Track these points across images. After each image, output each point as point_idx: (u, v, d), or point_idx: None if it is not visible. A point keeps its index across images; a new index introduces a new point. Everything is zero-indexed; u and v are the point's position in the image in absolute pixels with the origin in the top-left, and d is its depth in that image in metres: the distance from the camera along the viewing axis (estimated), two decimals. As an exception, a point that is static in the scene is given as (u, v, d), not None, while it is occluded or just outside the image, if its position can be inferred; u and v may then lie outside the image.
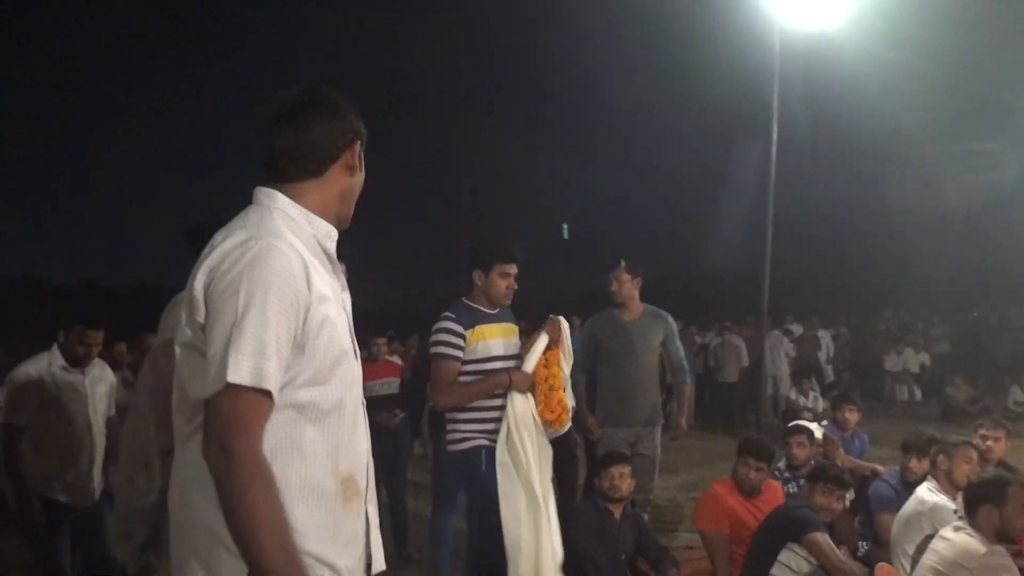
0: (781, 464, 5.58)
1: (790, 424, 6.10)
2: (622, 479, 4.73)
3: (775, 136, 11.20)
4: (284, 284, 1.67)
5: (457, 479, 4.40)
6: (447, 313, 4.13)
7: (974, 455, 4.65)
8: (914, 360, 16.24)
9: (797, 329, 15.78)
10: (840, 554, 4.14)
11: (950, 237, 24.56)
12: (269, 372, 1.62)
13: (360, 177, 1.98)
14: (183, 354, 1.76)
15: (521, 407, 3.96)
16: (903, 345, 16.39)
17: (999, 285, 21.56)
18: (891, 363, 16.24)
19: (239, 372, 1.60)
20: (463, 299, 4.20)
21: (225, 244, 1.72)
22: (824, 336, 15.89)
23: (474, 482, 4.01)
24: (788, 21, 10.70)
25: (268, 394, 1.63)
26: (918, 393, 15.91)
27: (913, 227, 25.14)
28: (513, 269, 4.17)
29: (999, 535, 3.79)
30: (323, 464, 1.78)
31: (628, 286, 5.55)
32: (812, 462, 5.40)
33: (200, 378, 1.66)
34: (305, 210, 1.86)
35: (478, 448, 4.00)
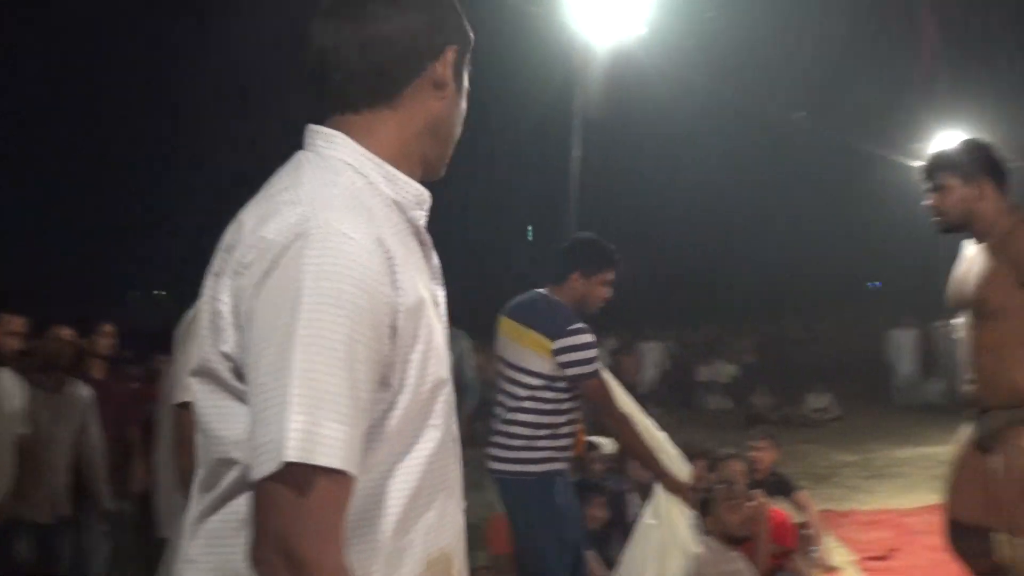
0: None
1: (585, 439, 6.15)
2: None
3: (576, 152, 11.44)
4: (363, 293, 1.08)
5: (528, 501, 3.66)
6: (579, 324, 3.59)
7: (739, 466, 4.77)
8: (724, 371, 16.95)
9: (611, 343, 16.14)
10: None
11: (757, 251, 25.92)
12: (354, 445, 1.07)
13: (458, 106, 1.33)
14: (203, 390, 1.20)
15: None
16: (714, 357, 17.11)
17: (802, 299, 22.96)
18: (703, 373, 16.91)
19: (310, 447, 1.03)
20: (557, 300, 3.66)
21: (264, 231, 1.12)
22: (649, 349, 16.37)
23: (545, 507, 3.59)
24: (590, 36, 10.87)
25: (344, 475, 1.07)
26: (728, 402, 16.61)
27: (722, 241, 26.37)
28: (613, 277, 3.73)
29: (727, 538, 3.94)
30: (415, 545, 1.21)
31: None
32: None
33: (230, 423, 1.14)
34: (383, 163, 1.24)
35: (553, 472, 3.62)
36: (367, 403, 1.10)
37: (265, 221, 1.13)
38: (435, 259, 1.34)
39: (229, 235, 1.20)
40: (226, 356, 1.14)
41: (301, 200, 1.13)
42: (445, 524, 1.24)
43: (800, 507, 5.32)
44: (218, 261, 1.20)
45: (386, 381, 1.14)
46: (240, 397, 1.12)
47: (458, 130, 1.36)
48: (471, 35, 1.34)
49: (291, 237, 1.09)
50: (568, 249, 3.86)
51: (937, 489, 7.18)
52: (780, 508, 4.94)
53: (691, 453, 5.21)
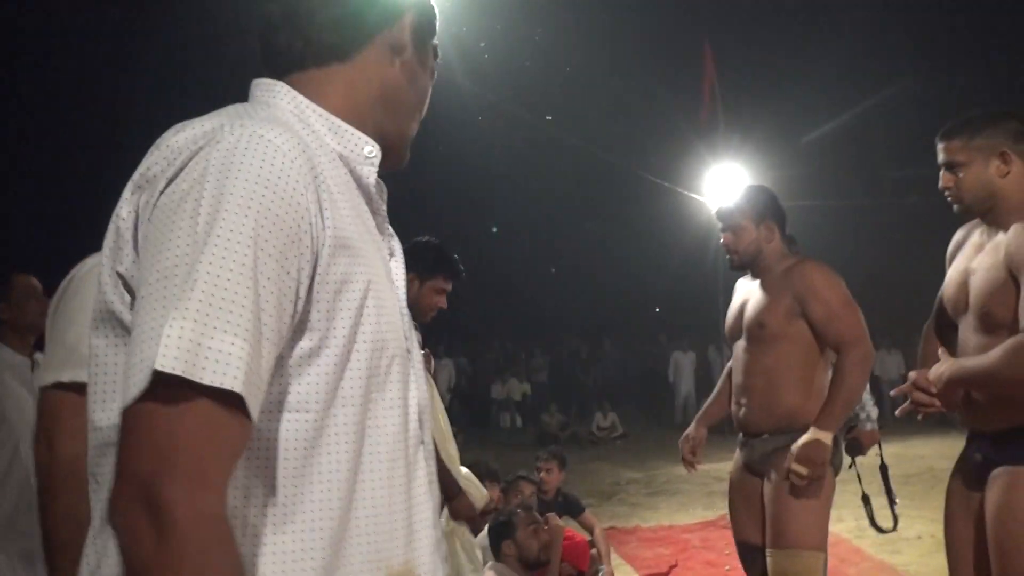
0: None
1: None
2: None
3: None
4: (279, 202, 0.91)
5: None
6: None
7: (529, 489, 4.80)
8: (517, 389, 17.24)
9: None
10: None
11: (550, 271, 26.69)
12: (244, 361, 0.84)
13: (417, 80, 1.20)
14: (101, 345, 0.98)
15: None
16: (508, 375, 17.36)
17: (592, 319, 23.80)
18: (497, 391, 17.12)
19: (191, 360, 0.81)
20: None
21: (177, 138, 0.96)
22: (441, 366, 16.33)
23: None
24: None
25: (242, 404, 0.84)
26: (519, 420, 16.88)
27: (515, 259, 26.91)
28: (449, 288, 3.48)
29: (523, 562, 4.00)
30: (355, 552, 0.99)
31: None
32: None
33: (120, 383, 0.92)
34: (328, 113, 1.10)
35: None
36: (273, 331, 0.89)
37: (175, 133, 0.97)
38: (390, 230, 1.19)
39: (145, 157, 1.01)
40: (121, 278, 0.95)
41: (221, 115, 0.99)
42: (415, 533, 1.06)
43: (587, 527, 5.41)
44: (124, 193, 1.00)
45: (305, 320, 0.95)
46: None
47: (418, 107, 1.23)
48: (434, 9, 1.22)
49: (201, 143, 0.93)
50: (408, 250, 3.76)
51: (712, 506, 7.65)
52: (569, 528, 5.00)
53: (479, 474, 5.20)
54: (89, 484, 1.00)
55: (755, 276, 3.30)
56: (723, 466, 6.34)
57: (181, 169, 0.92)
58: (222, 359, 0.82)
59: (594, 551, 5.11)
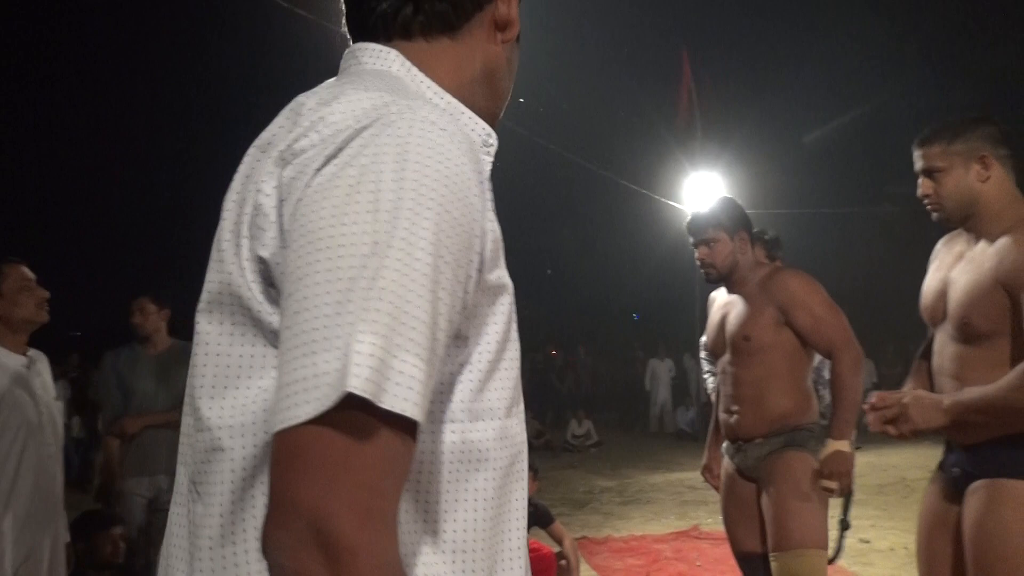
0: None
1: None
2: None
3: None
4: (456, 203, 0.79)
5: None
6: None
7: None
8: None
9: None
10: None
11: (524, 279, 26.70)
12: (423, 384, 0.73)
13: (516, 58, 1.10)
14: (212, 331, 0.85)
15: None
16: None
17: (568, 327, 23.78)
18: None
19: (380, 382, 0.70)
20: None
21: (332, 110, 0.82)
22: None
23: None
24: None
25: (413, 432, 0.75)
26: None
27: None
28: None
29: None
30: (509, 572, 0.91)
31: (154, 318, 4.95)
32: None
33: (244, 381, 0.82)
34: (444, 91, 0.98)
35: None
36: (443, 348, 0.78)
37: (327, 103, 0.83)
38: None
39: (259, 140, 0.88)
40: (261, 263, 0.80)
41: (369, 88, 0.85)
42: (519, 551, 0.94)
43: (556, 538, 5.33)
44: (246, 163, 0.88)
45: (462, 332, 0.84)
46: (266, 333, 0.80)
47: (510, 90, 1.11)
48: None
49: (364, 121, 0.80)
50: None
51: (684, 515, 7.62)
52: (537, 540, 4.92)
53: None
54: (184, 493, 0.86)
55: (731, 288, 3.28)
56: (695, 475, 6.33)
57: (341, 149, 0.78)
58: (404, 382, 0.71)
59: (563, 562, 5.03)
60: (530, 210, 26.09)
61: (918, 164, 2.45)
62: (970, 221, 2.40)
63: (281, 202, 0.80)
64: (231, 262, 0.83)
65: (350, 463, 0.69)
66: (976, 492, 2.32)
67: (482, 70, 1.03)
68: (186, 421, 0.88)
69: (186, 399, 0.88)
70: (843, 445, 2.93)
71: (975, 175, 2.35)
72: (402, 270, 0.73)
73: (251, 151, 0.88)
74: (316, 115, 0.82)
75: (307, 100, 0.86)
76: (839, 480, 2.91)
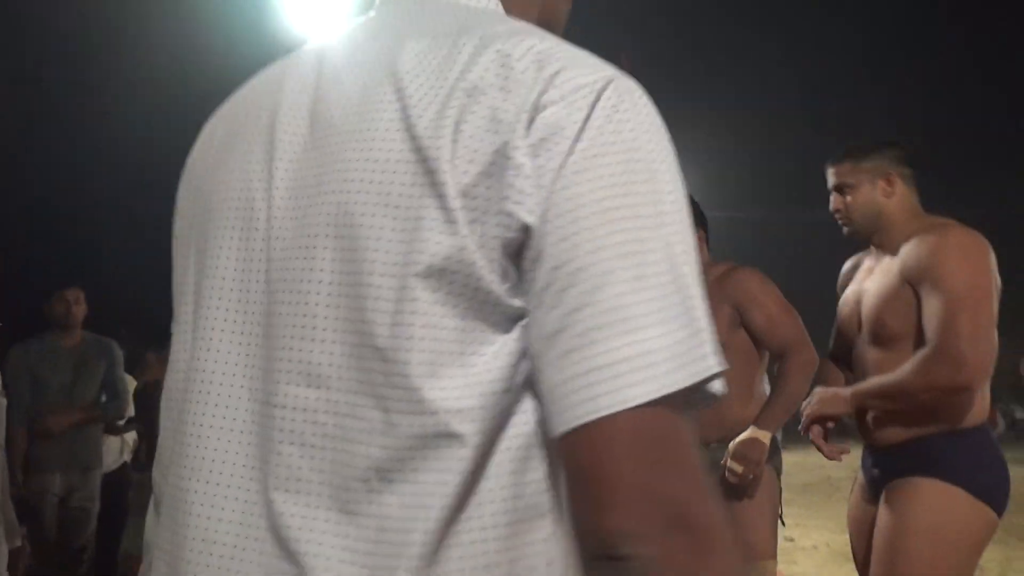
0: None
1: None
2: None
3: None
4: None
5: None
6: None
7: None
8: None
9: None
10: None
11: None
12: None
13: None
14: (428, 299, 0.71)
15: None
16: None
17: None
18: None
19: (716, 362, 0.68)
20: None
21: (557, 66, 0.72)
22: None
23: None
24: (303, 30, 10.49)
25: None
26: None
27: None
28: None
29: None
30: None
31: (79, 309, 4.77)
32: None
33: (471, 354, 0.71)
34: None
35: None
36: None
37: (552, 63, 0.73)
38: None
39: (460, 82, 0.73)
40: (514, 230, 0.70)
41: (541, 34, 0.76)
42: None
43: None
44: (453, 109, 0.72)
45: None
46: (483, 305, 0.71)
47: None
48: None
49: (598, 84, 0.72)
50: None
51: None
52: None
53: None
54: (315, 482, 0.73)
55: None
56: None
57: (588, 118, 0.71)
58: (714, 366, 0.69)
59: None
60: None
61: (830, 181, 2.68)
62: (877, 235, 2.61)
63: (539, 167, 0.70)
64: (468, 225, 0.71)
65: (682, 441, 0.67)
66: (891, 491, 2.46)
67: (540, 11, 0.95)
68: (313, 395, 0.74)
69: (334, 371, 0.73)
70: (763, 436, 2.92)
71: (881, 191, 2.59)
72: (685, 234, 0.71)
73: (445, 92, 0.73)
74: (549, 70, 0.72)
75: (512, 51, 0.74)
76: (745, 465, 2.88)
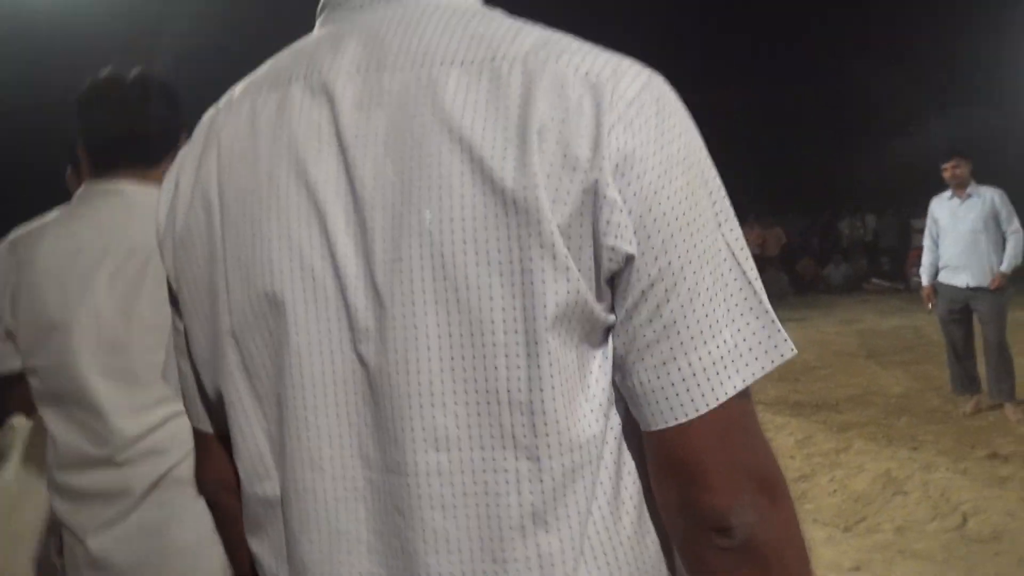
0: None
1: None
2: None
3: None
4: None
5: None
6: None
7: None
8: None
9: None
10: None
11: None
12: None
13: None
14: (556, 345, 0.74)
15: None
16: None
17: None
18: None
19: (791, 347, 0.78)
20: None
21: (614, 82, 0.74)
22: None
23: None
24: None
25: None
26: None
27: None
28: None
29: None
30: None
31: None
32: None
33: (584, 376, 0.76)
34: None
35: None
36: None
37: (610, 75, 0.74)
38: None
39: (521, 124, 0.73)
40: (616, 262, 0.73)
41: (562, 34, 0.79)
42: None
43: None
44: (535, 161, 0.72)
45: None
46: (590, 332, 0.76)
47: None
48: None
49: (638, 84, 0.75)
50: None
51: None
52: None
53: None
54: (451, 540, 0.77)
55: None
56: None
57: (649, 138, 0.74)
58: (787, 352, 0.78)
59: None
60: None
61: None
62: None
63: (625, 199, 0.73)
64: (576, 266, 0.73)
65: (754, 412, 0.78)
66: None
67: None
68: (445, 458, 0.76)
69: (463, 432, 0.75)
70: None
71: None
72: (734, 222, 0.79)
73: (517, 135, 0.73)
74: (597, 92, 0.74)
75: (559, 69, 0.74)
76: None
